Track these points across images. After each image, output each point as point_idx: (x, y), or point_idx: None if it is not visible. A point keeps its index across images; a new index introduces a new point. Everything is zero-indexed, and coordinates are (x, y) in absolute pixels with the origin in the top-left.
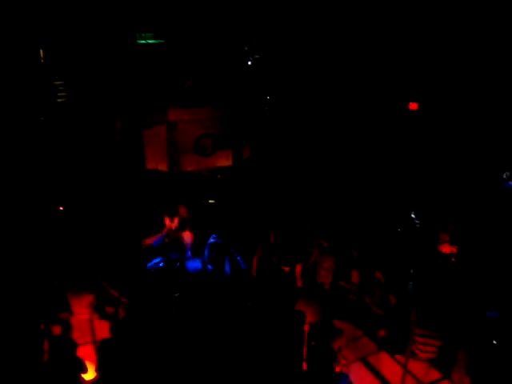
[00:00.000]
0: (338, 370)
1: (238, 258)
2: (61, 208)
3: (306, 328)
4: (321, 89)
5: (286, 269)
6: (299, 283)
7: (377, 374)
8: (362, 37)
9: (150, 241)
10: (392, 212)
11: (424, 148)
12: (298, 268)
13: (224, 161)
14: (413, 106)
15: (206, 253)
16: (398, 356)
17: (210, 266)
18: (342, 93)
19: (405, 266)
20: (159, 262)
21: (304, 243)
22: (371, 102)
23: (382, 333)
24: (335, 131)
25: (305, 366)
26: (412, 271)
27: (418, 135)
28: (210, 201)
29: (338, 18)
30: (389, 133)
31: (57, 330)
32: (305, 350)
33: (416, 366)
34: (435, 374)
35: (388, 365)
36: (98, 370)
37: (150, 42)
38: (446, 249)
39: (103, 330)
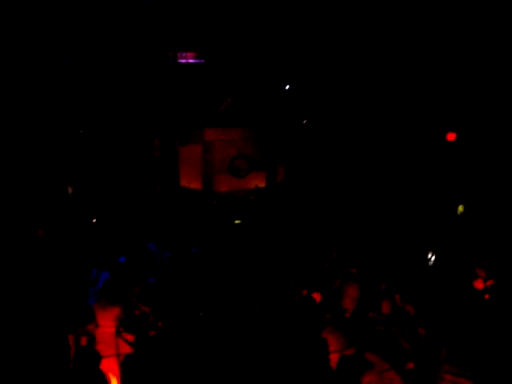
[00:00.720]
0: None
1: None
2: (94, 220)
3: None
4: (358, 115)
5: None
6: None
7: None
8: (401, 63)
9: None
10: (424, 244)
11: (462, 179)
12: (318, 296)
13: (258, 182)
14: (451, 136)
15: None
16: None
17: None
18: (379, 121)
19: (436, 300)
20: None
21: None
22: (409, 130)
23: (410, 366)
24: (371, 159)
25: None
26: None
27: (456, 167)
28: (237, 221)
29: (375, 46)
30: (426, 163)
31: (82, 341)
32: None
33: None
34: None
35: None
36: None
37: (190, 61)
38: (479, 284)
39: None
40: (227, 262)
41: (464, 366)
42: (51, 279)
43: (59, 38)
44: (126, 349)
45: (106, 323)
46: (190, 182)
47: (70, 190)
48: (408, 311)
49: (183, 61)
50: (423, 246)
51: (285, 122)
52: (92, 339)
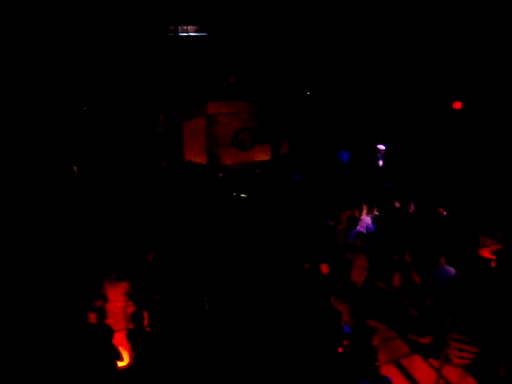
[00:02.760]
0: None
1: None
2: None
3: None
4: (362, 85)
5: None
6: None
7: (409, 377)
8: (405, 31)
9: None
10: (431, 212)
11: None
12: (324, 267)
13: (262, 155)
14: (457, 105)
15: None
16: (431, 360)
17: None
18: (384, 89)
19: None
20: None
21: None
22: (414, 98)
23: (426, 341)
24: (376, 128)
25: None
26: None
27: (461, 135)
28: (242, 195)
29: (379, 12)
30: (432, 132)
31: (92, 317)
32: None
33: (451, 372)
34: (471, 382)
35: (421, 369)
36: (131, 356)
37: (191, 34)
38: (486, 253)
39: None
40: (235, 234)
41: (470, 334)
42: (61, 257)
43: (64, 14)
44: None
45: (116, 298)
46: (195, 156)
47: (75, 168)
48: (415, 280)
49: (184, 34)
50: (429, 213)
51: (288, 93)
52: (103, 314)
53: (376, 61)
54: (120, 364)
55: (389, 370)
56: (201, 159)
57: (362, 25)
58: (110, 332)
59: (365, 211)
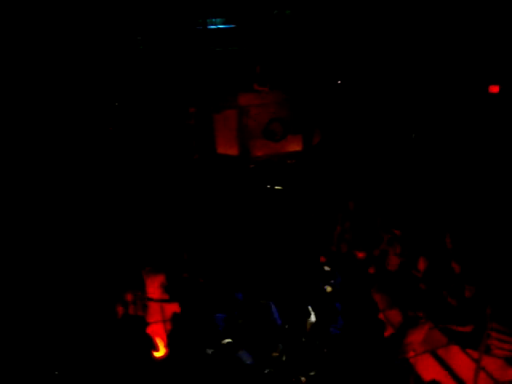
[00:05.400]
0: None
1: None
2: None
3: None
4: (396, 71)
5: (360, 255)
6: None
7: (446, 367)
8: (439, 17)
9: None
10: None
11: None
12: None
13: (294, 146)
14: (494, 89)
15: None
16: (469, 351)
17: None
18: (418, 76)
19: (484, 258)
20: None
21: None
22: (450, 84)
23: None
24: (410, 116)
25: None
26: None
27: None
28: (277, 187)
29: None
30: (468, 117)
31: (130, 308)
32: None
33: (490, 363)
34: None
35: (459, 359)
36: (167, 347)
37: (220, 27)
38: None
39: (172, 309)
40: (267, 227)
41: (511, 324)
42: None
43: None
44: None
45: (152, 290)
46: (227, 148)
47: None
48: (453, 268)
49: (213, 27)
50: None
51: (319, 83)
52: (140, 306)
53: (410, 45)
54: (157, 354)
55: (425, 360)
56: (232, 151)
57: (395, 14)
58: (143, 323)
59: None
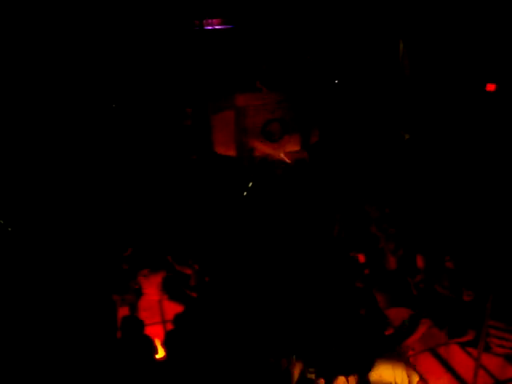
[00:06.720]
0: None
1: None
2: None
3: None
4: (392, 70)
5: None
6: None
7: (446, 365)
8: (436, 15)
9: None
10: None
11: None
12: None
13: (292, 146)
14: (490, 87)
15: None
16: (469, 349)
17: None
18: (417, 76)
19: (480, 254)
20: None
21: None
22: (446, 82)
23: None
24: (406, 114)
25: None
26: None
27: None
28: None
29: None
30: (464, 115)
31: (124, 310)
32: None
33: (490, 361)
34: None
35: (459, 357)
36: (166, 349)
37: (216, 27)
38: None
39: (172, 310)
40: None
41: (510, 321)
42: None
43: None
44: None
45: (150, 291)
46: (224, 148)
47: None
48: (448, 266)
49: (209, 27)
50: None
51: (316, 83)
52: (134, 308)
53: (406, 43)
54: (156, 356)
55: (425, 359)
56: (230, 152)
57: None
58: (140, 324)
59: None
